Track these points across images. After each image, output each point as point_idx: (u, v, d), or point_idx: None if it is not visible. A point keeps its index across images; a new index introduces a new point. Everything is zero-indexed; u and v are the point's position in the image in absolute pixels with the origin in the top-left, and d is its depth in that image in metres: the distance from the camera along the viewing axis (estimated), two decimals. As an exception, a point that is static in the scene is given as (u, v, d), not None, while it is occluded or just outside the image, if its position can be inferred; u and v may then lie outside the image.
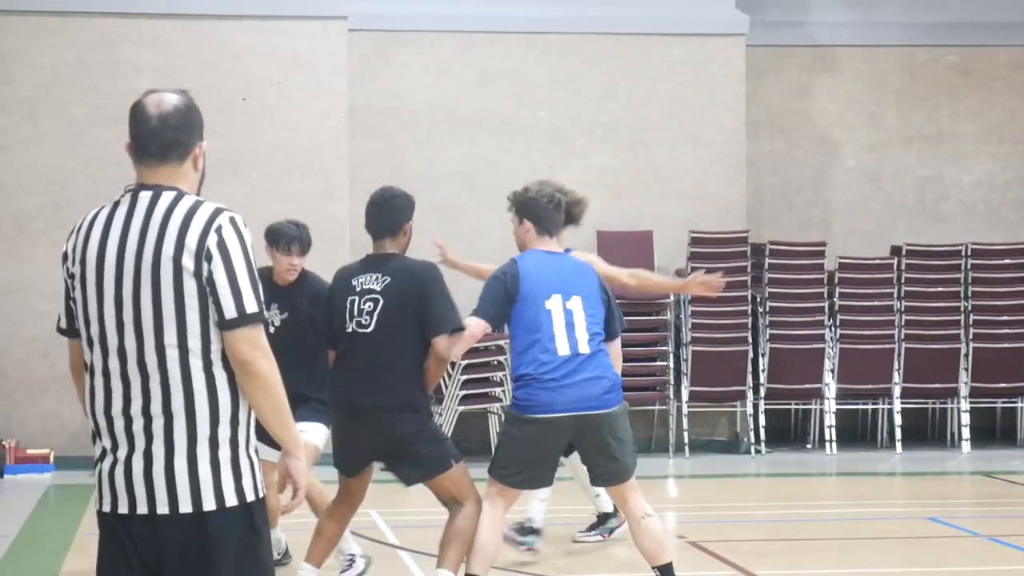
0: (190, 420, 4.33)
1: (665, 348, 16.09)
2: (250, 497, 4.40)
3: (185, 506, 4.33)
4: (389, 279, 7.85)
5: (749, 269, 16.18)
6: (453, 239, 16.43)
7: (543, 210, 8.05)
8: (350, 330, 7.81)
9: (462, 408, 15.33)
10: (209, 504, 4.34)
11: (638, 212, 16.59)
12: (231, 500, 4.37)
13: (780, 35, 17.41)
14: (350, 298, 7.87)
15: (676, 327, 16.18)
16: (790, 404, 16.49)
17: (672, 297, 16.14)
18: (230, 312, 4.33)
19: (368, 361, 7.74)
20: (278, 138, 15.54)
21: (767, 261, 16.16)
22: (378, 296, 7.82)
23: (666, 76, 16.68)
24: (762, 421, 15.98)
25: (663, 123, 16.67)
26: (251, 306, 4.35)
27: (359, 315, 7.81)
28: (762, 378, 16.00)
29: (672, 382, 16.06)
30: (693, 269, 16.04)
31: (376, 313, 7.77)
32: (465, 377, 15.35)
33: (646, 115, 16.66)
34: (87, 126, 15.31)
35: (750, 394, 16.01)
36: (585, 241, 16.36)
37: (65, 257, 4.48)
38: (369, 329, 7.77)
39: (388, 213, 8.08)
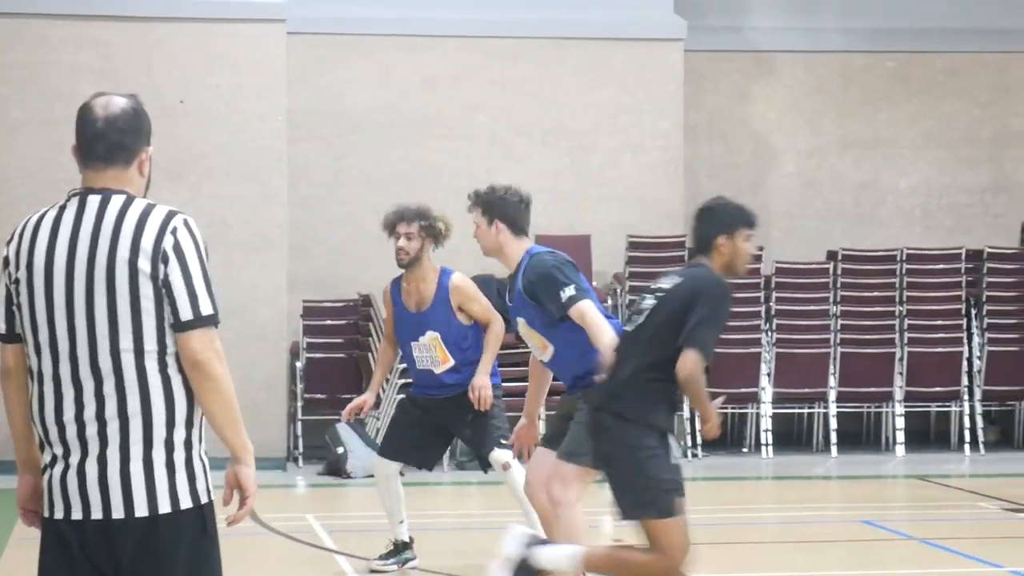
0: (146, 423, 4.32)
1: (604, 352, 16.12)
2: (204, 499, 4.40)
3: (141, 510, 4.32)
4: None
5: (687, 273, 16.22)
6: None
7: (515, 209, 8.05)
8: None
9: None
10: (164, 507, 4.33)
11: (577, 216, 16.65)
12: (186, 502, 4.36)
13: (719, 40, 17.50)
14: None
15: (615, 331, 16.21)
16: (727, 408, 16.57)
17: (609, 301, 16.20)
18: (186, 314, 4.33)
19: None
20: (217, 141, 15.50)
21: (705, 266, 16.20)
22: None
23: (606, 81, 16.75)
24: (698, 425, 16.04)
25: (602, 128, 16.73)
26: (206, 308, 4.35)
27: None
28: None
29: (611, 386, 16.09)
30: (631, 274, 16.19)
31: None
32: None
33: (586, 120, 16.72)
34: (27, 129, 15.23)
35: (686, 399, 16.05)
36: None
37: (7, 262, 4.45)
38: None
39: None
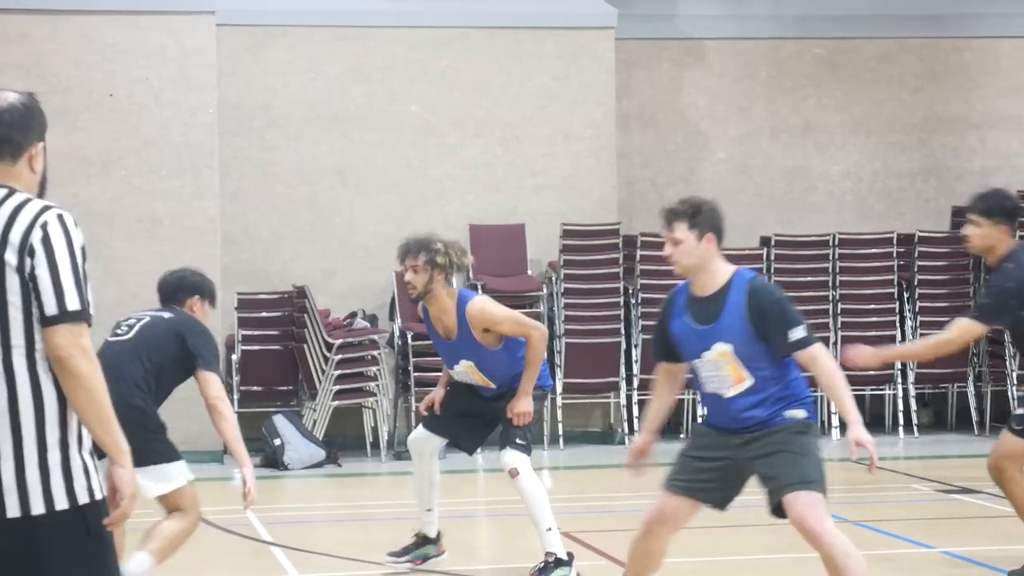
0: (14, 421, 4.26)
1: (539, 341, 16.14)
2: (83, 500, 4.31)
3: (13, 510, 4.25)
4: None
5: (621, 261, 16.31)
6: (326, 235, 16.44)
7: (722, 221, 7.08)
8: None
9: (335, 403, 15.30)
10: (38, 508, 4.26)
11: (510, 206, 16.65)
12: (62, 503, 4.29)
13: (650, 28, 17.54)
14: None
15: (549, 319, 16.25)
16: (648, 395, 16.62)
17: (545, 289, 16.23)
18: (51, 309, 4.26)
19: None
20: (147, 135, 15.41)
21: (639, 253, 16.28)
22: None
23: (537, 70, 16.76)
24: (635, 412, 16.10)
25: (535, 117, 16.74)
26: (72, 303, 4.27)
27: None
28: (635, 369, 16.12)
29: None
30: (566, 262, 16.21)
31: None
32: (339, 372, 15.32)
33: (518, 109, 16.73)
34: (-48, 124, 15.08)
35: (623, 385, 16.14)
36: (458, 235, 16.40)
37: None
38: None
39: None
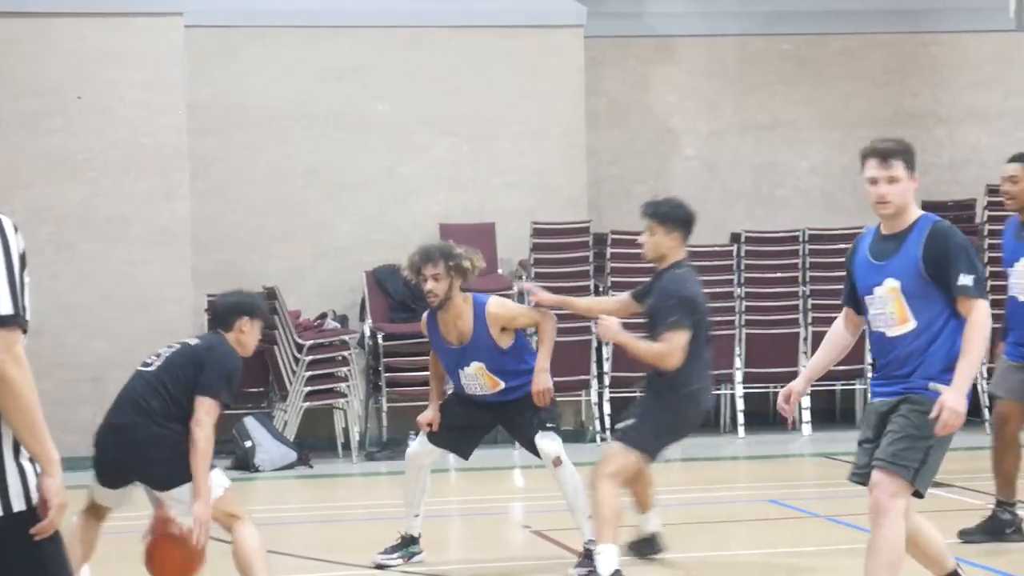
0: None
1: (510, 339, 16.16)
2: (17, 507, 4.28)
3: None
4: None
5: (591, 259, 16.33)
6: (297, 235, 16.42)
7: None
8: None
9: (306, 405, 15.29)
10: None
11: (480, 204, 16.66)
12: None
13: (619, 26, 17.56)
14: None
15: (521, 318, 16.25)
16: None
17: (515, 288, 16.23)
18: None
19: None
20: (116, 137, 15.38)
21: (609, 251, 16.30)
22: None
23: (506, 68, 16.77)
24: (607, 410, 16.11)
25: (504, 115, 16.75)
26: (5, 308, 4.23)
27: None
28: (607, 367, 16.14)
29: (518, 373, 16.13)
30: (536, 260, 16.22)
31: None
32: (309, 373, 15.31)
33: (487, 107, 16.73)
34: (-81, 127, 15.04)
35: (595, 383, 16.16)
36: (428, 234, 16.41)
37: None
38: None
39: None
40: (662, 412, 8.80)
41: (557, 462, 9.21)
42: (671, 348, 8.73)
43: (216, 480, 7.98)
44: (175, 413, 7.91)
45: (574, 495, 9.26)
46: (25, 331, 4.25)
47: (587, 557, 9.13)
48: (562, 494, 9.34)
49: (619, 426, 8.79)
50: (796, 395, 7.42)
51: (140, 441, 7.90)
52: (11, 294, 4.25)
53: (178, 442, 7.84)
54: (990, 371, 16.13)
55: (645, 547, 9.51)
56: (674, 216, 9.03)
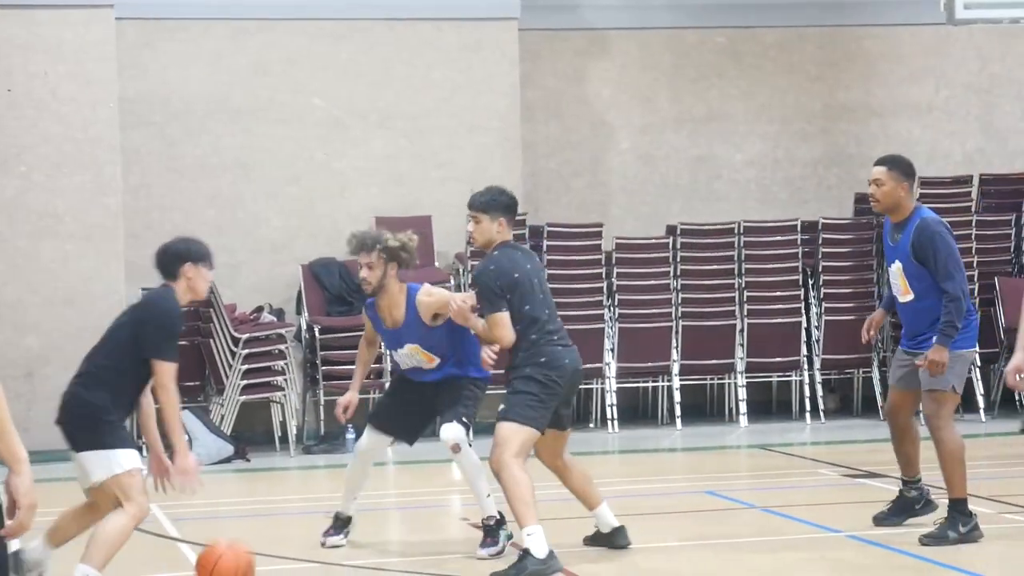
0: None
1: (446, 333, 16.13)
2: None
3: None
4: None
5: (527, 251, 16.29)
6: (231, 230, 16.32)
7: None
8: None
9: (243, 398, 15.21)
10: None
11: (415, 198, 16.61)
12: None
13: (553, 19, 17.55)
14: None
15: (457, 311, 16.22)
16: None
17: (452, 281, 16.19)
18: None
19: None
20: (47, 131, 15.23)
21: (545, 243, 16.29)
22: None
23: (440, 61, 16.72)
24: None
25: (439, 108, 16.71)
26: None
27: None
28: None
29: (454, 366, 16.10)
30: (472, 253, 16.18)
31: None
32: (246, 367, 15.22)
33: (422, 101, 16.69)
34: None
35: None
36: (363, 227, 16.35)
37: None
38: None
39: None
40: (528, 384, 8.92)
41: (455, 449, 9.46)
42: (496, 332, 8.95)
43: (129, 459, 7.95)
44: (108, 373, 7.89)
45: (475, 474, 9.55)
46: None
47: (488, 535, 9.48)
48: (464, 476, 9.68)
49: (500, 410, 8.94)
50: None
51: (66, 403, 8.08)
52: None
53: (95, 406, 7.82)
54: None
55: (610, 541, 9.56)
56: (496, 203, 9.26)
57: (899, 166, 9.54)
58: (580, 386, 16.28)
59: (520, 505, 8.77)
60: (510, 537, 9.50)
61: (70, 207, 15.25)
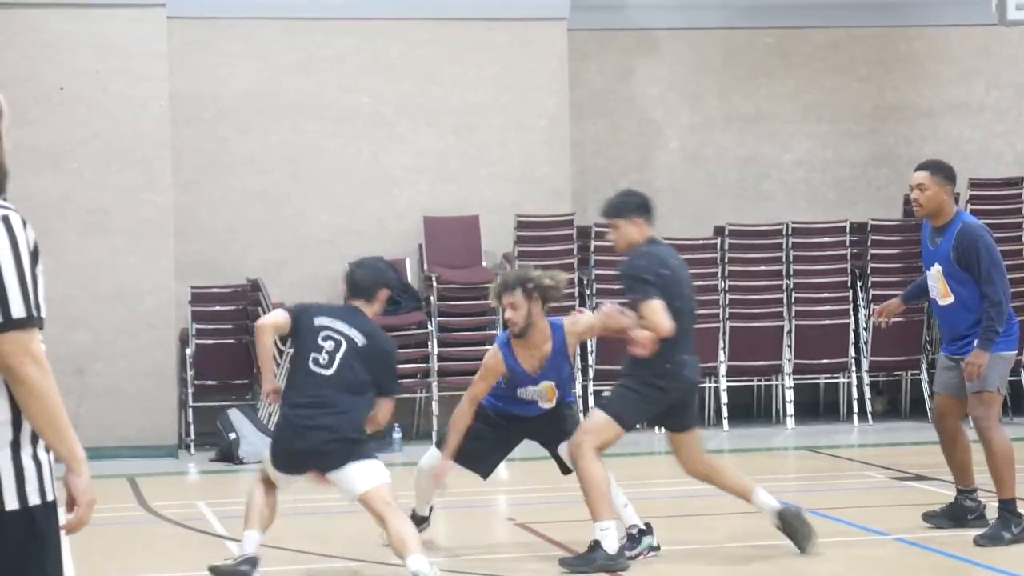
0: None
1: (494, 332, 16.15)
2: (33, 500, 4.25)
3: None
4: None
5: (575, 252, 16.32)
6: (279, 226, 16.38)
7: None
8: None
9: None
10: None
11: (464, 197, 16.63)
12: (11, 503, 4.23)
13: (602, 18, 17.55)
14: None
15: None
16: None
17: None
18: None
19: None
20: (98, 128, 15.33)
21: (593, 243, 16.29)
22: None
23: (489, 60, 16.74)
24: (591, 402, 16.09)
25: (488, 107, 16.73)
26: (18, 311, 4.18)
27: None
28: (591, 360, 16.13)
29: (501, 365, 16.11)
30: (520, 253, 16.20)
31: None
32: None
33: (471, 99, 16.71)
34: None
35: (580, 376, 16.14)
36: (412, 226, 16.41)
37: None
38: None
39: None
40: (640, 386, 8.99)
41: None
42: (655, 318, 8.82)
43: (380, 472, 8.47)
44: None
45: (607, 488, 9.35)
46: (41, 328, 4.23)
47: (630, 541, 9.27)
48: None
49: (602, 397, 9.07)
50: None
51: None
52: (23, 295, 4.21)
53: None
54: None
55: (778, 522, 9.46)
56: (628, 205, 9.21)
57: (941, 171, 9.55)
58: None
59: (595, 500, 8.85)
60: (655, 549, 9.39)
61: (120, 204, 15.34)
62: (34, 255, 4.28)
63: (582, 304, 16.22)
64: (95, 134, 15.32)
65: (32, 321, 4.21)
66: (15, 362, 4.19)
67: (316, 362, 8.54)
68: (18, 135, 15.21)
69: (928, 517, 9.95)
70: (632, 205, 9.20)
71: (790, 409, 16.45)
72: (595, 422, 9.03)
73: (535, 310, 9.14)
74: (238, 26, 16.36)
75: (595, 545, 8.86)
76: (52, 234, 15.08)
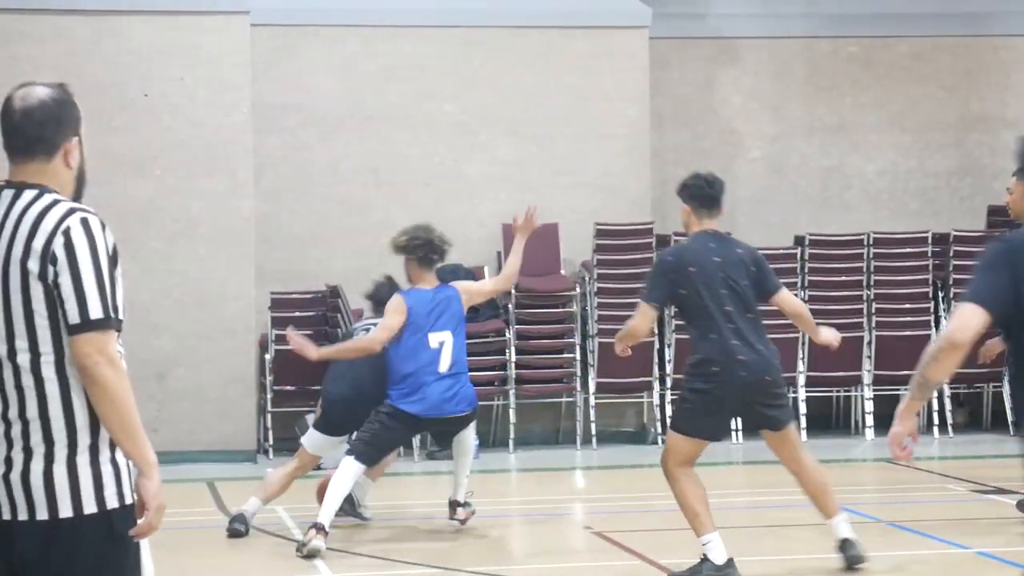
0: (45, 426, 4.26)
1: (572, 340, 16.16)
2: (111, 504, 4.31)
3: (42, 513, 4.26)
4: None
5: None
6: (360, 234, 16.44)
7: None
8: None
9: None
10: (66, 511, 4.26)
11: (544, 205, 16.51)
12: (90, 507, 4.29)
13: (683, 27, 17.50)
14: None
15: (582, 318, 16.24)
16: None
17: (578, 289, 16.20)
18: (73, 318, 4.23)
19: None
20: (182, 135, 15.45)
21: (672, 252, 16.22)
22: None
23: (570, 69, 16.74)
24: (668, 411, 16.06)
25: (568, 115, 16.72)
26: (96, 312, 4.24)
27: None
28: (668, 368, 16.08)
29: (579, 373, 16.12)
30: (599, 262, 16.18)
31: None
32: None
33: (550, 108, 16.71)
34: (-13, 124, 15.13)
35: (656, 385, 16.11)
36: (491, 234, 16.44)
37: None
38: None
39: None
40: (683, 392, 9.12)
41: None
42: (631, 320, 9.09)
43: None
44: None
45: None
46: (119, 331, 4.28)
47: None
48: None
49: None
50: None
51: None
52: (100, 296, 4.26)
53: None
54: None
55: (842, 550, 9.33)
56: (684, 189, 9.35)
57: None
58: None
59: (690, 517, 8.85)
60: None
61: (203, 211, 15.46)
62: (113, 258, 4.32)
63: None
64: (179, 141, 15.44)
65: (109, 322, 4.25)
66: (91, 362, 4.24)
67: None
68: (103, 142, 15.44)
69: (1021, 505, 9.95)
70: (685, 189, 9.31)
71: (869, 420, 16.34)
72: (667, 439, 9.13)
73: None
74: (320, 34, 16.45)
75: (703, 559, 8.84)
76: (137, 241, 15.22)
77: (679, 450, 8.92)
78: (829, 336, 9.59)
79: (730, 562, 8.80)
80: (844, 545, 9.26)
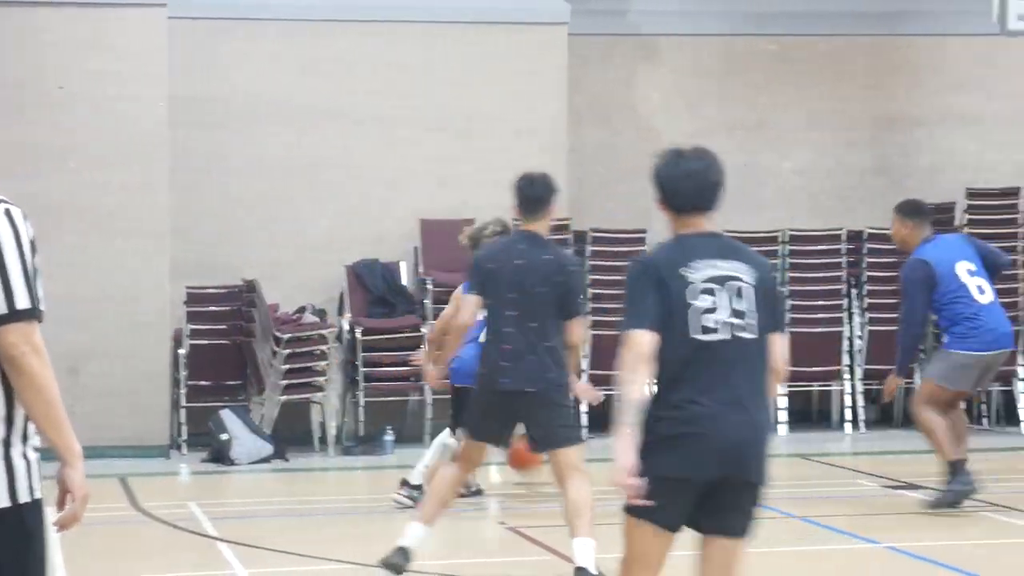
0: None
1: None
2: (24, 498, 4.30)
3: None
4: None
5: (571, 256, 16.30)
6: (278, 229, 16.39)
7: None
8: None
9: (284, 398, 15.25)
10: None
11: (462, 200, 16.63)
12: (3, 501, 4.28)
13: (603, 24, 17.54)
14: None
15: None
16: (612, 390, 16.62)
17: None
18: (0, 308, 4.25)
19: None
20: (98, 128, 15.33)
21: (589, 248, 16.30)
22: None
23: (489, 65, 16.74)
24: (584, 408, 16.10)
25: (487, 112, 16.72)
26: (23, 302, 4.26)
27: None
28: (584, 364, 16.12)
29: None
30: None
31: None
32: (287, 367, 15.28)
33: (470, 104, 16.71)
34: (-100, 116, 14.99)
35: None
36: (410, 229, 16.42)
37: None
38: None
39: None
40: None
41: None
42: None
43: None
44: None
45: None
46: (41, 320, 4.27)
47: None
48: None
49: None
50: None
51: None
52: (26, 286, 4.28)
53: None
54: None
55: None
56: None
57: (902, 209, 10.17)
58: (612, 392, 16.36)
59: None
60: None
61: (118, 204, 15.35)
62: (33, 248, 4.33)
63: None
64: (94, 134, 15.32)
65: (35, 313, 4.26)
66: (18, 352, 4.25)
67: None
68: (18, 135, 15.32)
69: None
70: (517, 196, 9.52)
71: (782, 416, 16.45)
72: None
73: None
74: (240, 28, 16.36)
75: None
76: (51, 234, 15.06)
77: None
78: (588, 392, 9.70)
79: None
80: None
